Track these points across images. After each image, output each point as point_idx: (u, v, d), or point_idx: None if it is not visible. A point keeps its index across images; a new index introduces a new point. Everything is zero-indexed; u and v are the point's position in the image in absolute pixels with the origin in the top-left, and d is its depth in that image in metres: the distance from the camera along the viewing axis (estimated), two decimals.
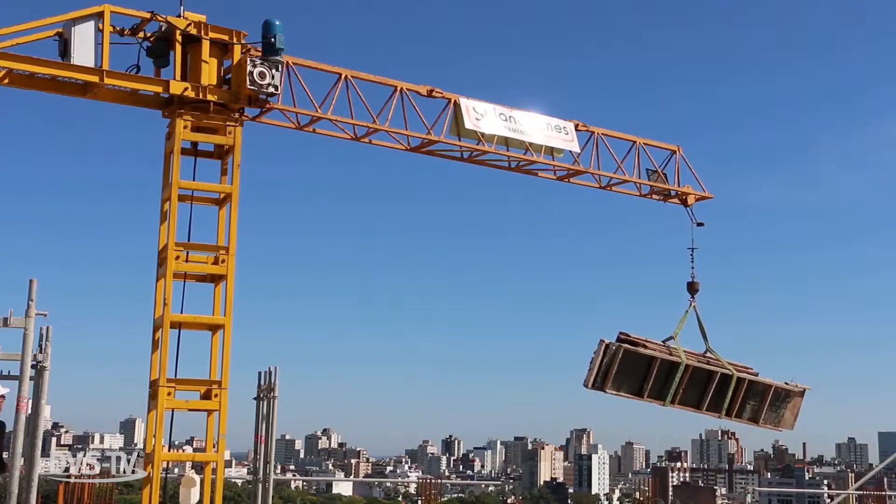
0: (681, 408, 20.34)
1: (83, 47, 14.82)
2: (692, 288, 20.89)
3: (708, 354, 20.84)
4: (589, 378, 19.11)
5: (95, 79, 14.98)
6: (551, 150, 19.35)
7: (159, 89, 15.67)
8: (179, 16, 15.75)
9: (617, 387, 19.30)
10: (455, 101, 18.30)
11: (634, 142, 20.64)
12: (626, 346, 19.29)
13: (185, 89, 15.64)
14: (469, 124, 18.18)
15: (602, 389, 19.15)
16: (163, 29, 15.65)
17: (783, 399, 21.44)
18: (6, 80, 14.56)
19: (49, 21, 14.79)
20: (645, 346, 19.81)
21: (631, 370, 19.44)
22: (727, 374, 20.45)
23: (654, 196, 21.46)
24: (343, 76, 17.15)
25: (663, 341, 20.39)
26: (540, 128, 19.13)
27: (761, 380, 21.21)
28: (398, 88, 17.67)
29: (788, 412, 21.60)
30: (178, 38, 15.67)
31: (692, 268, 20.86)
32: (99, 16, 15.03)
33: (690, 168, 21.49)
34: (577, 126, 19.81)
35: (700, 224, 21.34)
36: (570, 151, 19.68)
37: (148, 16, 15.55)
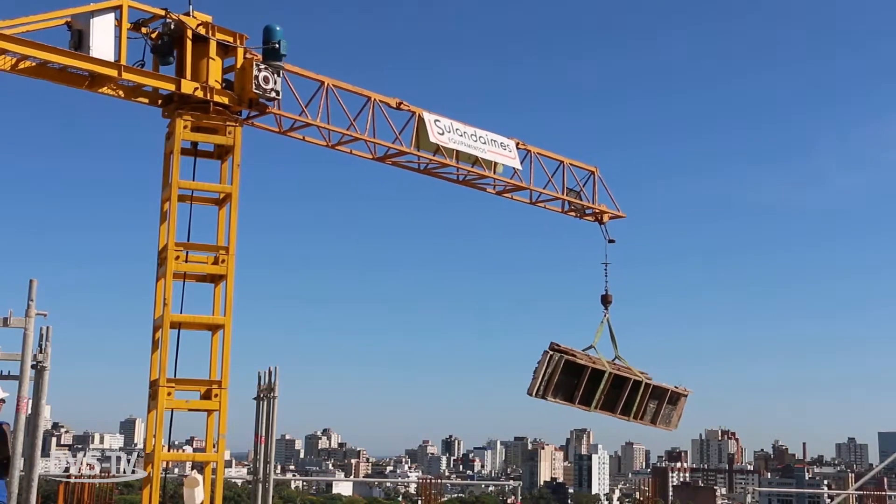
0: (601, 412, 21.55)
1: (102, 40, 14.61)
2: (606, 300, 22.14)
3: (616, 361, 22.08)
4: (533, 387, 20.04)
5: (114, 73, 14.85)
6: (493, 165, 20.05)
7: (171, 87, 15.61)
8: (188, 14, 15.71)
9: (555, 394, 20.35)
10: (419, 114, 18.72)
11: (562, 161, 21.65)
12: (567, 356, 20.27)
13: (196, 89, 15.62)
14: (433, 138, 18.76)
15: (544, 397, 20.13)
16: (171, 27, 15.56)
17: (674, 402, 23.04)
18: (19, 68, 14.33)
19: (68, 12, 14.55)
20: (575, 356, 20.86)
21: (567, 378, 20.49)
22: (637, 381, 21.77)
23: (572, 213, 22.43)
24: (325, 84, 17.24)
25: (584, 350, 21.49)
26: (487, 144, 19.85)
27: (659, 384, 22.62)
28: (371, 99, 17.99)
29: (675, 414, 23.24)
30: (190, 36, 15.62)
31: (606, 282, 22.15)
32: (116, 9, 14.91)
33: (606, 188, 22.63)
34: (517, 144, 20.58)
35: (611, 241, 22.52)
36: (514, 168, 20.51)
37: (162, 13, 15.48)
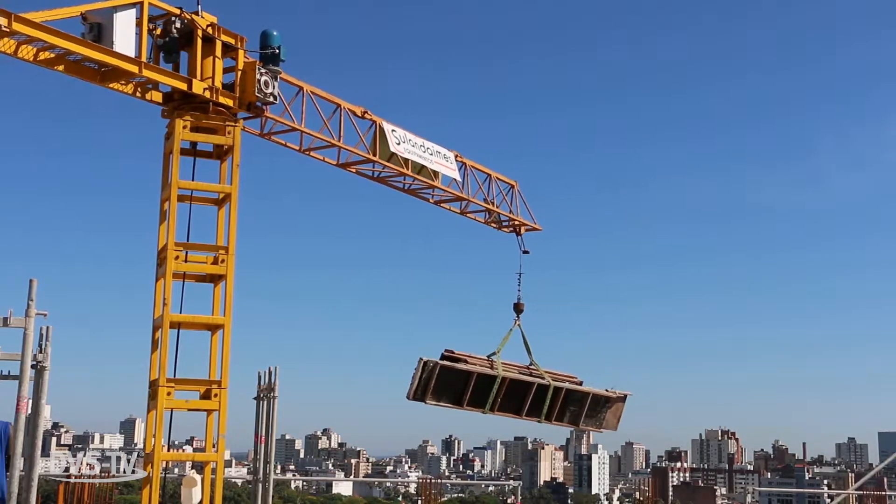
0: (501, 414, 21.78)
1: (125, 35, 14.52)
2: (518, 308, 22.46)
3: (531, 367, 22.26)
4: (409, 391, 20.22)
5: (134, 69, 14.75)
6: (434, 176, 20.43)
7: (184, 87, 15.55)
8: (197, 14, 15.69)
9: (437, 398, 20.50)
10: (380, 124, 18.99)
11: (489, 174, 22.22)
12: (443, 362, 20.46)
13: (205, 89, 15.60)
14: (392, 147, 19.14)
15: (423, 400, 20.32)
16: (178, 26, 15.51)
17: (603, 404, 23.12)
18: (38, 58, 14.11)
19: (87, 8, 14.38)
20: (466, 362, 21.01)
21: (450, 383, 20.64)
22: (544, 385, 21.86)
23: (493, 224, 22.99)
24: (304, 90, 17.35)
25: (488, 356, 21.63)
26: (434, 155, 20.33)
27: (578, 388, 22.70)
28: (340, 107, 18.17)
29: (611, 415, 23.42)
30: (200, 35, 15.60)
31: (518, 290, 22.52)
32: (137, 5, 14.82)
33: (525, 202, 23.22)
34: (456, 156, 21.06)
35: (526, 252, 23.03)
36: (454, 179, 20.99)
37: (178, 11, 15.45)
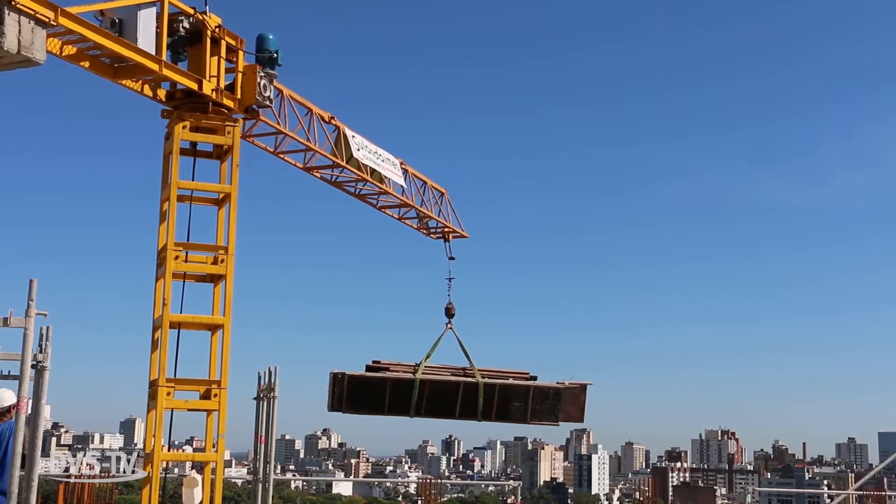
0: (431, 417, 21.75)
1: (147, 32, 14.45)
2: (449, 312, 22.46)
3: (467, 370, 22.07)
4: (328, 404, 20.48)
5: (156, 67, 14.66)
6: (381, 180, 20.64)
7: (195, 86, 15.54)
8: (205, 14, 15.68)
9: (356, 408, 20.61)
10: (343, 130, 19.14)
11: (425, 181, 22.52)
12: (351, 373, 20.54)
13: (213, 90, 15.59)
14: (355, 153, 19.32)
15: (341, 411, 20.47)
16: (185, 25, 15.48)
17: (554, 397, 22.29)
18: (63, 53, 13.89)
19: (115, 4, 14.17)
20: (388, 370, 21.04)
21: (368, 391, 20.74)
22: (472, 383, 21.50)
23: (422, 230, 23.46)
24: (283, 94, 17.38)
25: (418, 362, 21.49)
26: (385, 161, 20.54)
27: (516, 383, 22.07)
28: (311, 111, 18.22)
29: (571, 407, 22.51)
30: (209, 36, 15.60)
31: (449, 295, 22.68)
32: (156, 3, 14.71)
33: (453, 209, 23.60)
34: (401, 163, 21.32)
35: (451, 258, 23.40)
36: (402, 185, 21.26)
37: (191, 11, 15.44)
